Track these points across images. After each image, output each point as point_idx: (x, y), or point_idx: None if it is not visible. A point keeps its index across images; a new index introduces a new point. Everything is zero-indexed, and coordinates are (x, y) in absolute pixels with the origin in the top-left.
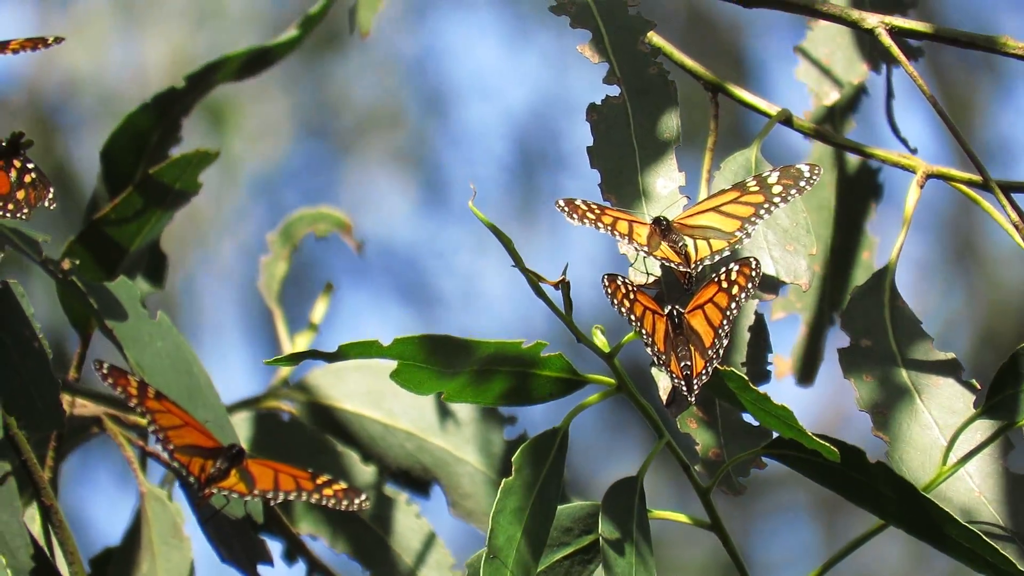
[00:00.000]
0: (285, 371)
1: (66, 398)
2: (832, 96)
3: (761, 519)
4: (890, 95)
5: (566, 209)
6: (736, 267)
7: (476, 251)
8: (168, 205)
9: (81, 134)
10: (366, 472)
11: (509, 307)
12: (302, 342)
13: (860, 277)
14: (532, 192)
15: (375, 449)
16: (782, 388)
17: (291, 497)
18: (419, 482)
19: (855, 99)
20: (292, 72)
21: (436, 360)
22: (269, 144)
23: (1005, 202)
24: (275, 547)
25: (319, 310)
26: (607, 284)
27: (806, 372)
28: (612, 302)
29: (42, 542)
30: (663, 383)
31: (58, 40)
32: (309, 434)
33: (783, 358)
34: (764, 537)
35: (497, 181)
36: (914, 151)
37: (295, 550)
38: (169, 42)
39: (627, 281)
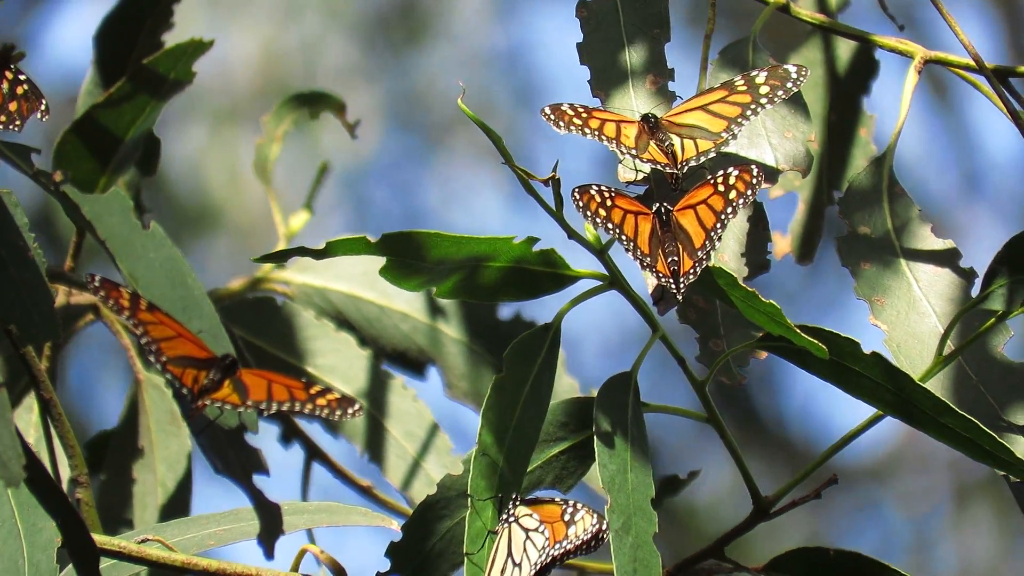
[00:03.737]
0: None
1: (62, 288)
2: None
3: None
4: None
5: (552, 116)
6: (736, 172)
7: (567, 246)
8: (162, 95)
9: (170, 132)
10: (362, 356)
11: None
12: (297, 222)
13: (858, 154)
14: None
15: (371, 331)
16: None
17: (284, 407)
18: (415, 363)
19: None
20: (382, 66)
21: (425, 256)
22: (358, 138)
23: (1001, 87)
24: (272, 430)
25: (313, 191)
26: (578, 197)
27: (806, 250)
28: (586, 215)
29: (41, 433)
30: (651, 280)
31: None
32: (305, 318)
33: (782, 236)
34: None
35: (588, 175)
36: (902, 28)
37: (291, 434)
38: (258, 37)
39: (601, 188)
